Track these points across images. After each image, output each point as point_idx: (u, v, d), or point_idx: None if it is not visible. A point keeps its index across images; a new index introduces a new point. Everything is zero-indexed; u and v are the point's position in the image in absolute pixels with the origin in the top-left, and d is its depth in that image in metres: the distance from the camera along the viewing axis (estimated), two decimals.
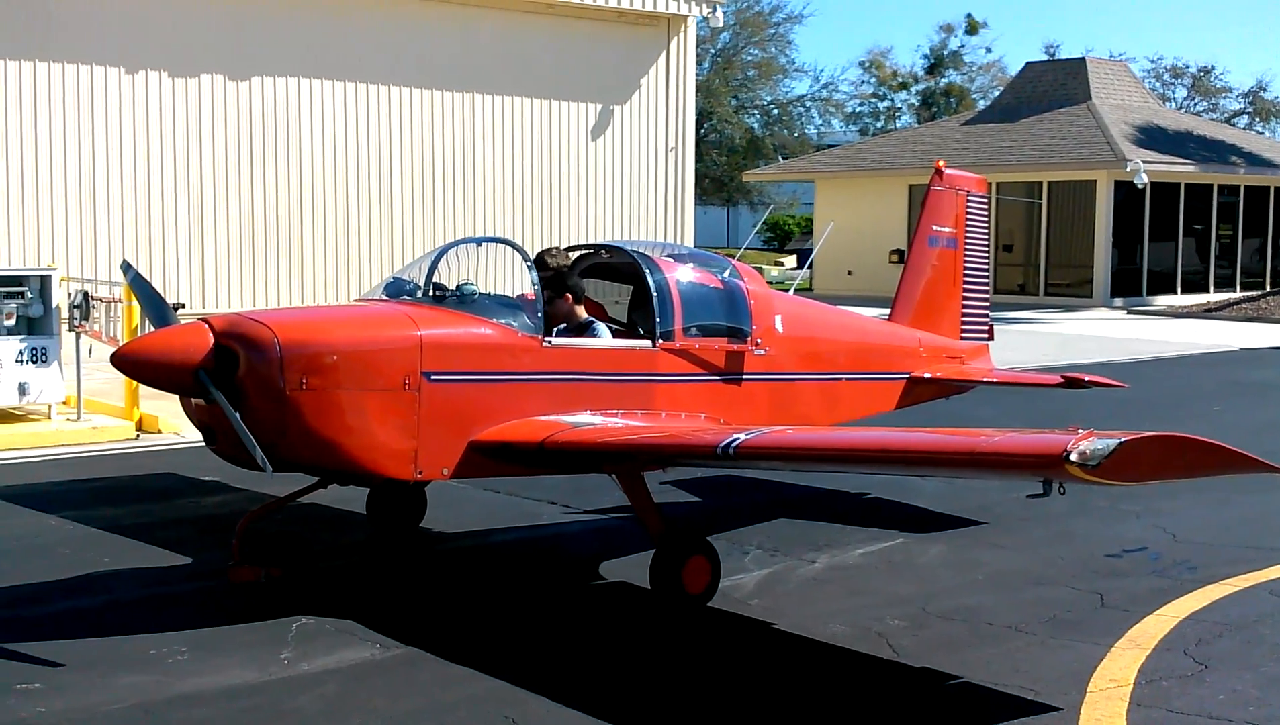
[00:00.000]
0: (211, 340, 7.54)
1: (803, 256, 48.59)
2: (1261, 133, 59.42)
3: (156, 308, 8.53)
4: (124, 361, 7.61)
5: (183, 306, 13.32)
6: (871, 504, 11.21)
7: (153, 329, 8.24)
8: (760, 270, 18.00)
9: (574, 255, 9.83)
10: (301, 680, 6.79)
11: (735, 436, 7.61)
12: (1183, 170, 36.93)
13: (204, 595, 8.28)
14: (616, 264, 9.85)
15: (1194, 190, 38.20)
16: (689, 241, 24.93)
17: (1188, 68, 68.20)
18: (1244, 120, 65.40)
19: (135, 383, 13.24)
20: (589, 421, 8.49)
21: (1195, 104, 66.65)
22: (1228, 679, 6.88)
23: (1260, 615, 8.01)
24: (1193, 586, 8.59)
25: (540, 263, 9.30)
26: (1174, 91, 67.57)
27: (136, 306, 13.11)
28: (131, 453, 13.35)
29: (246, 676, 6.82)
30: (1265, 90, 67.65)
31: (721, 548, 8.71)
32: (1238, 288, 39.18)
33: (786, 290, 11.67)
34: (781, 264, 48.82)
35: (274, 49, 20.93)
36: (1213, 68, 67.99)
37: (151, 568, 8.93)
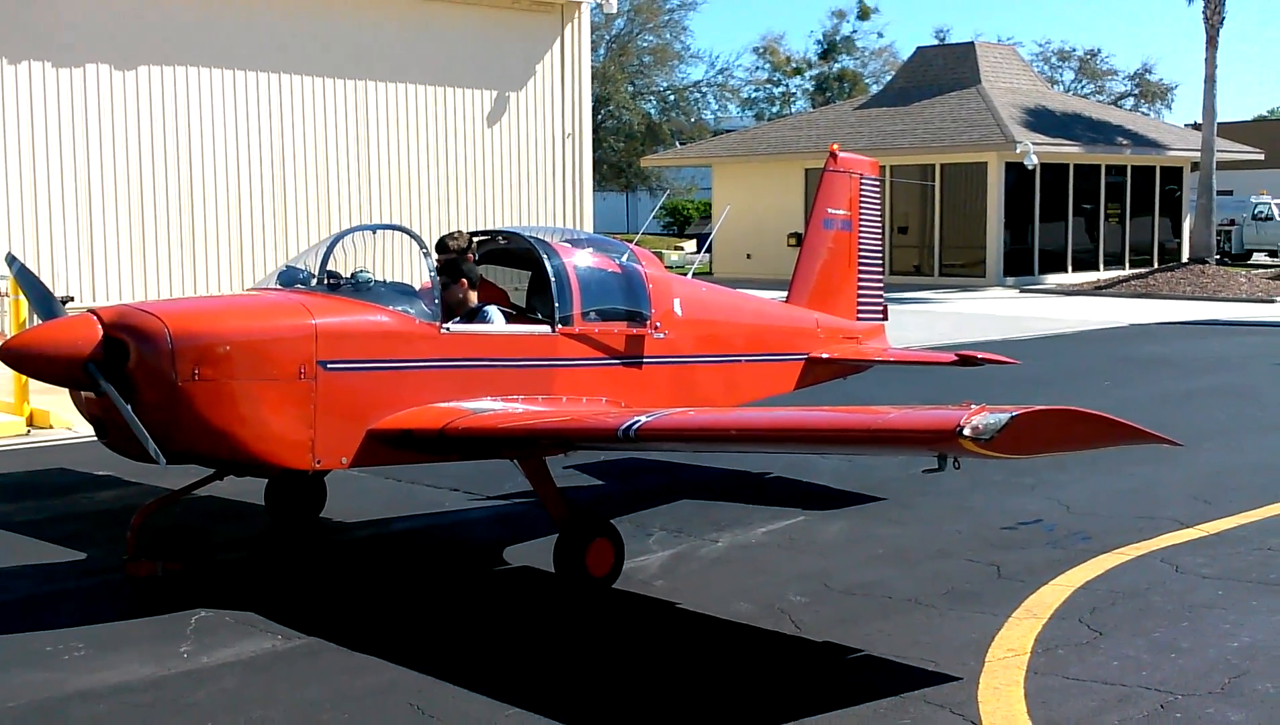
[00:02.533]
0: (100, 332, 7.41)
1: (701, 241, 48.78)
2: (1147, 114, 60.66)
3: (43, 300, 8.36)
4: (11, 355, 7.46)
5: (71, 299, 13.09)
6: (773, 483, 11.30)
7: (40, 322, 8.07)
8: (659, 255, 18.00)
9: (473, 241, 9.78)
10: (201, 673, 6.70)
11: (636, 419, 7.62)
12: (1071, 151, 37.61)
13: (100, 591, 8.14)
14: (514, 249, 9.82)
15: (1082, 171, 38.93)
16: (588, 227, 24.90)
17: (1075, 51, 69.67)
18: (1130, 102, 66.78)
19: (24, 377, 12.98)
20: (489, 407, 8.46)
21: (1082, 86, 67.95)
22: (1121, 645, 7.04)
23: (1151, 583, 8.20)
24: (1086, 556, 8.77)
25: (442, 246, 9.25)
26: (1061, 74, 68.86)
27: (23, 300, 12.84)
28: (22, 448, 13.07)
29: (145, 671, 6.71)
30: (1150, 72, 69.31)
31: (625, 530, 8.74)
32: (1126, 265, 40.00)
33: (685, 274, 11.70)
34: (681, 248, 48.99)
35: (162, 37, 20.53)
36: (1099, 51, 69.55)
37: (45, 564, 8.76)
